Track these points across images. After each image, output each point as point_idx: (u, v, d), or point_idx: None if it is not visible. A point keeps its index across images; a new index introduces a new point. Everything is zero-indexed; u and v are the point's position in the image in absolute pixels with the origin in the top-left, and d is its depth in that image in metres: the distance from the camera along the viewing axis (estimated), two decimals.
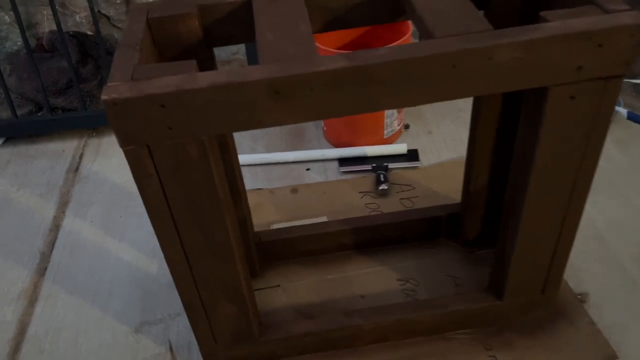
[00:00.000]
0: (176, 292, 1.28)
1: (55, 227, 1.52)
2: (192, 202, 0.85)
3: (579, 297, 1.21)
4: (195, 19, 0.90)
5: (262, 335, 1.11)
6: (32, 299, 1.34)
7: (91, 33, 2.04)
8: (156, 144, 0.78)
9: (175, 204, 0.85)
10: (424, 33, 0.81)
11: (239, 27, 0.94)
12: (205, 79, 0.74)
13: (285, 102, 0.76)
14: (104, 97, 0.72)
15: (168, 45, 0.92)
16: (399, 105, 0.80)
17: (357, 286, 1.28)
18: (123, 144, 0.77)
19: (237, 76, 0.74)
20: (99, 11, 2.04)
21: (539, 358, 1.11)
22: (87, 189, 1.63)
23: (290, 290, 1.28)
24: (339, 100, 0.77)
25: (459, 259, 1.32)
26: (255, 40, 0.96)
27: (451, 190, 1.48)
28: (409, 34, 1.53)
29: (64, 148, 1.80)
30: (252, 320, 1.06)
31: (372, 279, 1.29)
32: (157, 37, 0.91)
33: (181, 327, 1.24)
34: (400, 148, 1.62)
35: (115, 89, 0.73)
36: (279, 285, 1.29)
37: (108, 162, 1.73)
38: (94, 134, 1.85)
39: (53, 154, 1.78)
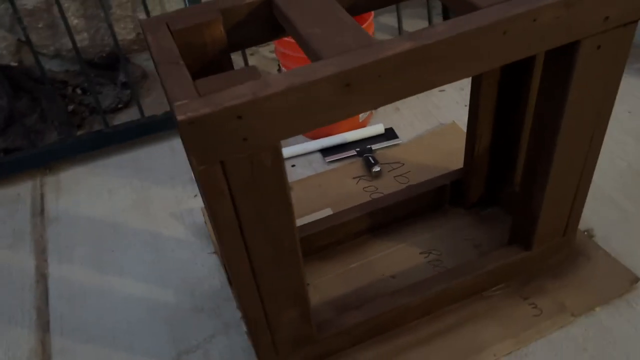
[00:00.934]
0: (205, 314, 1.24)
1: (42, 277, 1.39)
2: (264, 213, 0.82)
3: (586, 233, 1.31)
4: (219, 24, 0.86)
5: (319, 334, 1.10)
6: (45, 358, 1.22)
7: (15, 64, 1.87)
8: (231, 158, 0.74)
9: (246, 218, 0.81)
10: (465, 6, 0.83)
11: (260, 27, 0.92)
12: (279, 82, 0.71)
13: (355, 94, 0.75)
14: (180, 117, 0.67)
15: (192, 56, 0.88)
16: (454, 78, 0.82)
17: (384, 268, 1.29)
18: (198, 163, 0.72)
19: (309, 75, 0.72)
20: (19, 39, 1.87)
21: (572, 295, 1.19)
22: (62, 231, 1.51)
23: (321, 286, 1.27)
24: (403, 83, 0.78)
25: (468, 222, 1.37)
26: (276, 38, 0.94)
27: (439, 160, 1.53)
28: (371, 19, 1.56)
29: (18, 192, 1.65)
30: (312, 321, 1.05)
31: (396, 258, 1.31)
32: (182, 49, 0.86)
33: (222, 348, 1.19)
34: (377, 129, 1.64)
35: (188, 107, 0.68)
36: (308, 284, 1.27)
37: (76, 197, 1.60)
38: (48, 172, 1.70)
39: (8, 201, 1.62)
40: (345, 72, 0.72)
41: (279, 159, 0.77)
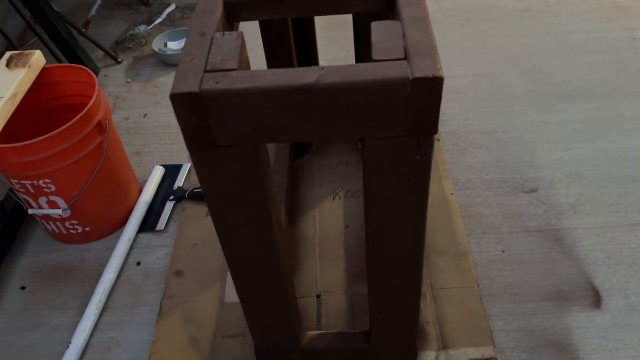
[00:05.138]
0: None
1: None
2: None
3: None
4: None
5: None
6: None
7: None
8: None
9: None
10: None
11: None
12: (414, 19, 0.68)
13: None
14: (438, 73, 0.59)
15: None
16: None
17: (331, 228, 1.29)
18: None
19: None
20: None
21: None
22: None
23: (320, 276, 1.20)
24: None
25: (315, 154, 1.47)
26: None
27: None
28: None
29: None
30: None
31: (328, 215, 1.32)
32: None
33: None
34: (158, 174, 1.46)
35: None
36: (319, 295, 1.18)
37: None
38: None
39: None
40: None
41: None
